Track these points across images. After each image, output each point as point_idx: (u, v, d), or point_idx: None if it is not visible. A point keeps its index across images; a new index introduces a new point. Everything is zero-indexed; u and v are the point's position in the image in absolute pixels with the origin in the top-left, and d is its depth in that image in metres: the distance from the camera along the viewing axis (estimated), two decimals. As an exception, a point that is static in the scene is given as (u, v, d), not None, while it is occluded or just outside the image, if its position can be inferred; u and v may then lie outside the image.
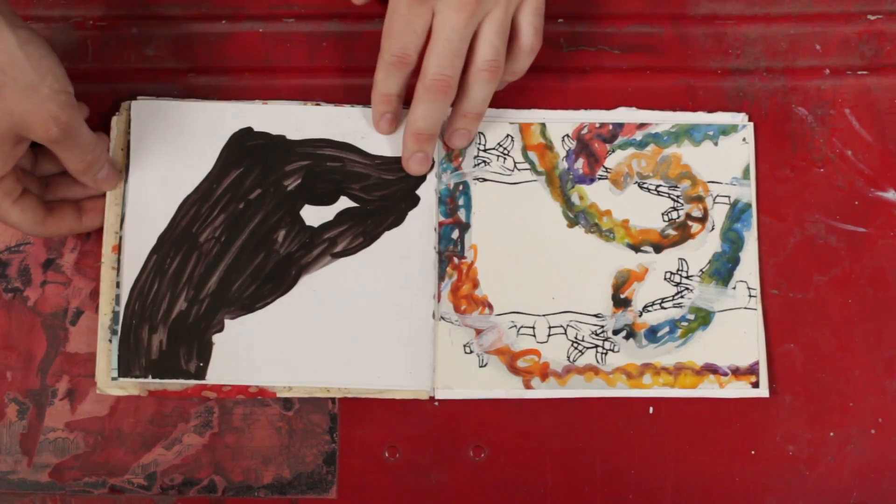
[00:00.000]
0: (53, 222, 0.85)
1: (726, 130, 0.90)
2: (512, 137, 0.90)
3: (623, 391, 0.87)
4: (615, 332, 0.88)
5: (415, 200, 0.89)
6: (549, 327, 0.88)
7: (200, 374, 0.86)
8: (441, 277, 0.88)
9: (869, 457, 0.87)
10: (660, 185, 0.90)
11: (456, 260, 0.88)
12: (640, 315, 0.88)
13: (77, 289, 0.88)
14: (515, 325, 0.88)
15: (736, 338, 0.88)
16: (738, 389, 0.87)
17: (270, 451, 0.87)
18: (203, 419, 0.87)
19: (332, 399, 0.87)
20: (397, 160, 0.89)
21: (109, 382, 0.86)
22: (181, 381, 0.86)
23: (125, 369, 0.86)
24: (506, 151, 0.90)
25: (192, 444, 0.87)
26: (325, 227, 0.88)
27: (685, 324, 0.88)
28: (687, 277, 0.89)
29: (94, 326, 0.88)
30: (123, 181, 0.87)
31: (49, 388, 0.87)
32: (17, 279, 0.89)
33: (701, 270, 0.89)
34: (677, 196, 0.90)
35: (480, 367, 0.87)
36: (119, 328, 0.86)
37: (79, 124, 0.80)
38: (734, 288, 0.88)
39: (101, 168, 0.84)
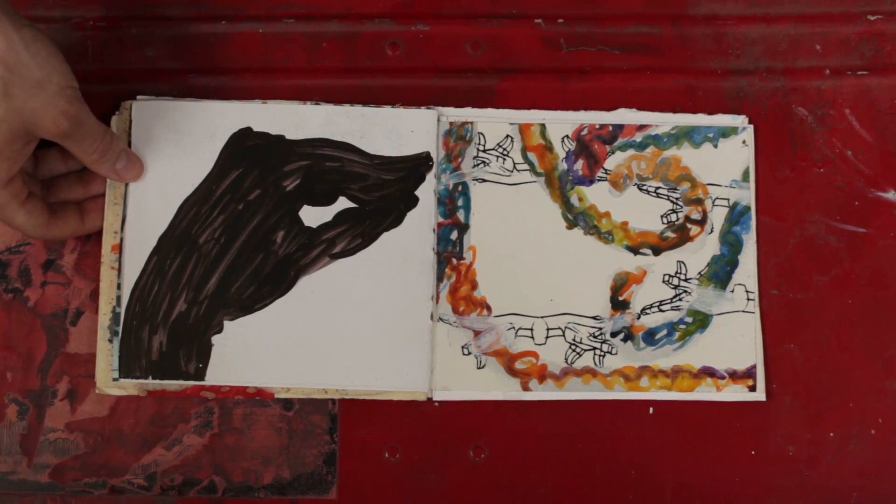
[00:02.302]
0: (57, 225, 0.85)
1: (726, 133, 0.90)
2: (511, 138, 0.90)
3: (620, 394, 0.87)
4: (613, 335, 0.88)
5: (414, 201, 0.88)
6: (548, 329, 0.88)
7: (200, 374, 0.86)
8: (439, 279, 0.88)
9: (869, 457, 0.87)
10: (659, 188, 0.89)
11: (454, 261, 0.88)
12: (639, 317, 0.88)
13: (77, 289, 0.89)
14: (514, 327, 0.88)
15: (734, 341, 0.88)
16: (735, 393, 0.87)
17: (270, 451, 0.87)
18: (203, 420, 0.87)
19: (332, 400, 0.87)
20: (396, 160, 0.89)
21: (109, 382, 0.86)
22: (180, 381, 0.86)
23: (126, 370, 0.86)
24: (505, 152, 0.90)
25: (192, 445, 0.87)
26: (324, 227, 0.88)
27: (683, 327, 0.88)
28: (685, 280, 0.88)
29: (94, 327, 0.88)
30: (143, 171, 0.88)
31: (49, 389, 0.87)
32: (17, 280, 0.89)
33: (699, 273, 0.88)
34: (677, 198, 0.89)
35: (478, 368, 0.87)
36: (120, 329, 0.86)
37: (87, 115, 0.81)
38: (732, 291, 0.88)
39: (116, 157, 0.85)
